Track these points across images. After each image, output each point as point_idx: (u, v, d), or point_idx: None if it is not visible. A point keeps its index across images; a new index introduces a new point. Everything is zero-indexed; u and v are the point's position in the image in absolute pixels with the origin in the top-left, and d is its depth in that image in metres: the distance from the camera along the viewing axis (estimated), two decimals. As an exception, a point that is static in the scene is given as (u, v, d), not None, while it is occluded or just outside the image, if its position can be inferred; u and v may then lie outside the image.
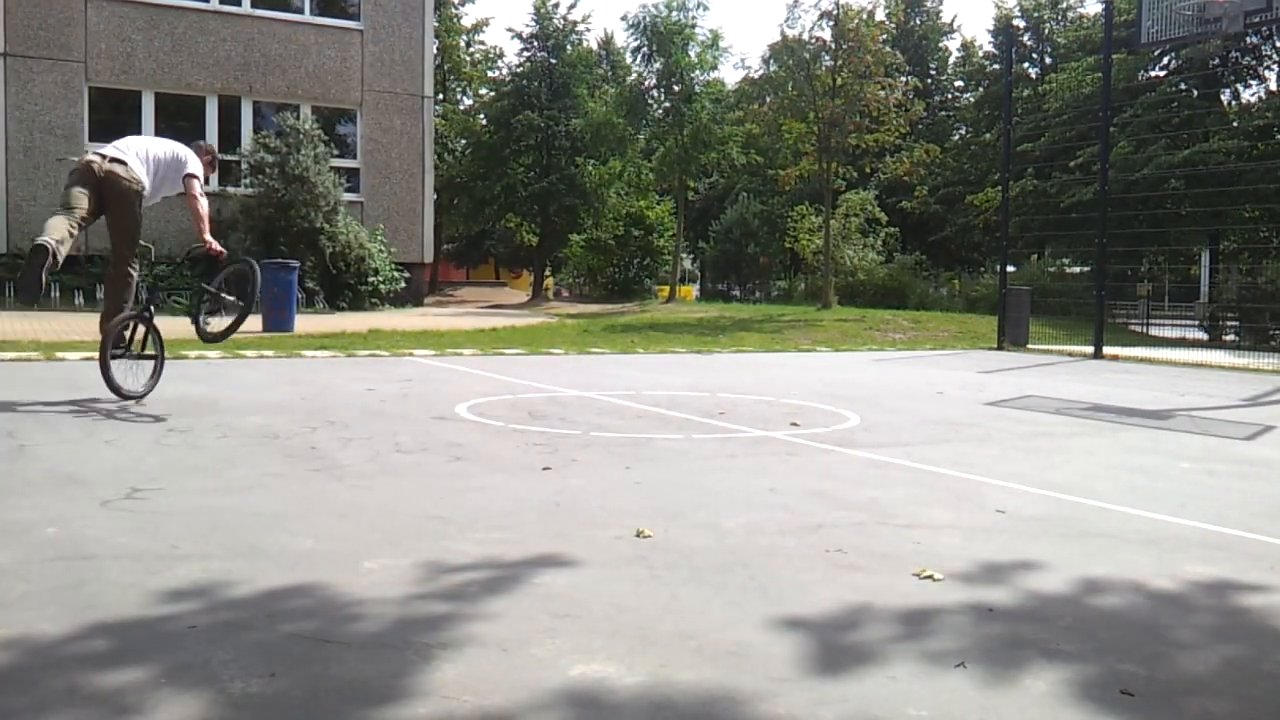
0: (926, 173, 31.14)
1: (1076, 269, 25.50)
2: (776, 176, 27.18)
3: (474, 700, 2.20)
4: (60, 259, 5.98)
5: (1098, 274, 15.25)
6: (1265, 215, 24.59)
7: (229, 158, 18.37)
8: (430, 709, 2.16)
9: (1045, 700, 2.31)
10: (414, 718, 2.12)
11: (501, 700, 2.21)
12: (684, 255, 36.85)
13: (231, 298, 6.83)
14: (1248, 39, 27.75)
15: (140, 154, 6.60)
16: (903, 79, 24.21)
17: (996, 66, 37.93)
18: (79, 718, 2.08)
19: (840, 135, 21.44)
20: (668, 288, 29.16)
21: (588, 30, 56.03)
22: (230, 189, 18.70)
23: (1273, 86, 30.48)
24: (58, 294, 16.54)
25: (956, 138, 41.56)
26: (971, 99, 42.38)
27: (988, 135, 37.05)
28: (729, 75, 62.52)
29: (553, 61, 32.66)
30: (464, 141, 34.25)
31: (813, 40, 21.77)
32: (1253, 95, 31.05)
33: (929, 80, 42.86)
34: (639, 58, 27.66)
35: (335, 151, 19.63)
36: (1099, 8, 34.99)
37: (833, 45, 21.57)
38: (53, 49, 18.00)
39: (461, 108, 36.10)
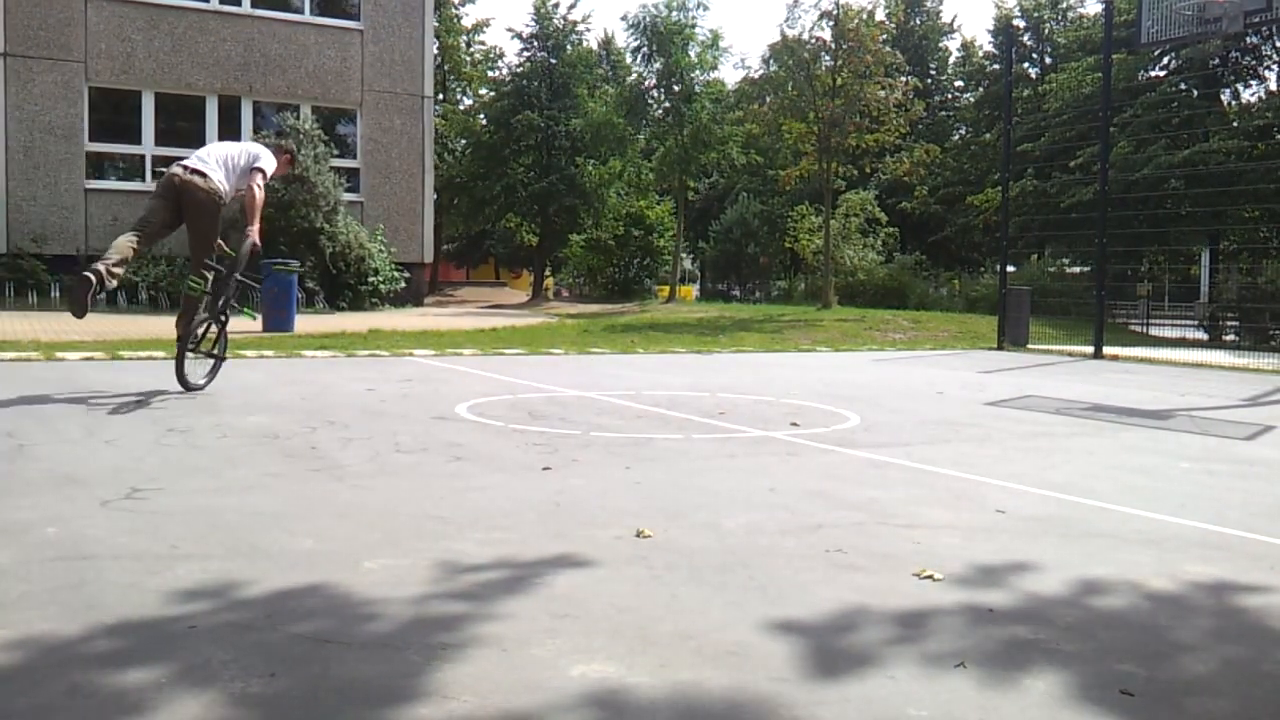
0: (926, 173, 31.13)
1: (1076, 269, 25.48)
2: (776, 176, 27.22)
3: (474, 700, 2.21)
4: (109, 284, 6.31)
5: (1098, 274, 15.25)
6: (1265, 215, 24.60)
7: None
8: (430, 709, 2.16)
9: (1045, 701, 2.31)
10: (414, 717, 2.12)
11: (501, 700, 2.21)
12: (684, 255, 36.85)
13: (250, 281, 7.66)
14: (1248, 39, 27.77)
15: (220, 159, 6.97)
16: (903, 79, 24.23)
17: (996, 66, 37.95)
18: (79, 718, 2.08)
19: (840, 135, 21.44)
20: (668, 288, 29.15)
21: (588, 30, 56.19)
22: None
23: (1273, 86, 30.51)
24: (58, 294, 16.54)
25: (956, 138, 41.58)
26: (971, 99, 42.40)
27: (988, 135, 37.07)
28: (729, 75, 62.70)
29: (553, 61, 32.67)
30: (464, 141, 34.26)
31: (813, 40, 21.76)
32: (1253, 95, 31.11)
33: (929, 80, 42.87)
34: (639, 58, 27.68)
35: (335, 151, 19.61)
36: (1099, 8, 35.03)
37: (833, 45, 21.57)
38: (53, 49, 18.00)
39: (461, 108, 36.09)
